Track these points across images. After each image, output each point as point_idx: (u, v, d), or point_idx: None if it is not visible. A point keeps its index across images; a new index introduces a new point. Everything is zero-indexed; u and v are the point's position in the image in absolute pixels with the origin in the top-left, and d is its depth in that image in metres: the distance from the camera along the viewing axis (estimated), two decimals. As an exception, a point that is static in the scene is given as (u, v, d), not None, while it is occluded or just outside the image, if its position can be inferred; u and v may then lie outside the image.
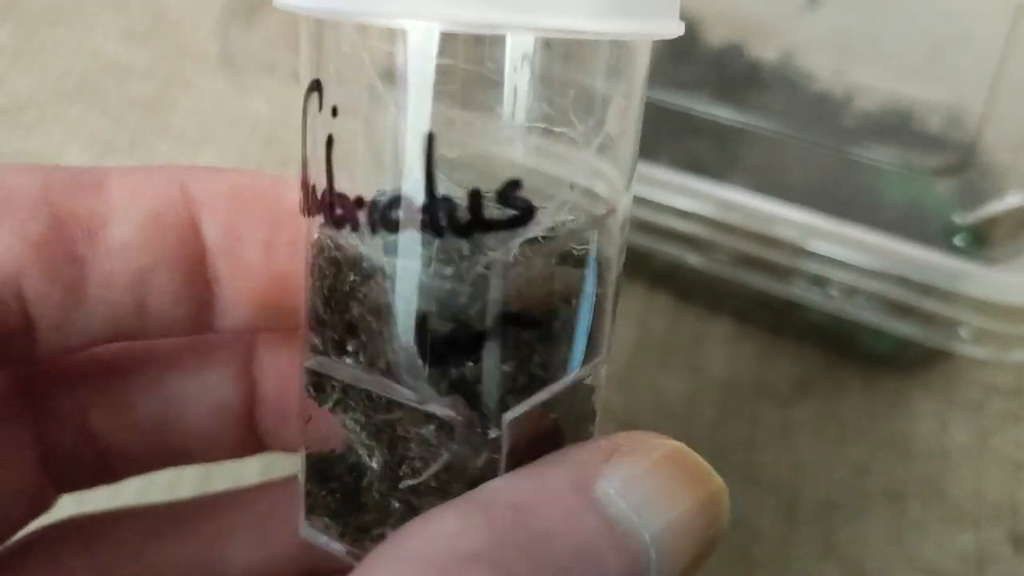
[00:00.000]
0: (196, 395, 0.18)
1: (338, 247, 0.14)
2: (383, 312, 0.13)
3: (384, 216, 0.13)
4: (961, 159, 0.27)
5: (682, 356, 0.30)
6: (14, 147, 0.36)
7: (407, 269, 0.13)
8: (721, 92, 0.29)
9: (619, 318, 0.31)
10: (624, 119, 0.14)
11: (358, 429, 0.14)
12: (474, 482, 0.13)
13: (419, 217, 0.13)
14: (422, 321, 0.13)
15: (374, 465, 0.14)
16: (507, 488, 0.13)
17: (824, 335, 0.30)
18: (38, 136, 0.37)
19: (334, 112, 0.13)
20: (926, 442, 0.29)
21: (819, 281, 0.26)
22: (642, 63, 0.14)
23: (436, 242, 0.13)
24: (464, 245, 0.13)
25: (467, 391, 0.13)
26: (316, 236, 0.14)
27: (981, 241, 0.26)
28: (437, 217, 0.13)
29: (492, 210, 0.13)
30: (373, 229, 0.13)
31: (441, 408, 0.13)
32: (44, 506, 0.18)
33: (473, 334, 0.13)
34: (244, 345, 0.19)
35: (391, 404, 0.14)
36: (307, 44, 0.14)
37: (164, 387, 0.18)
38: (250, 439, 0.19)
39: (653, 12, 0.13)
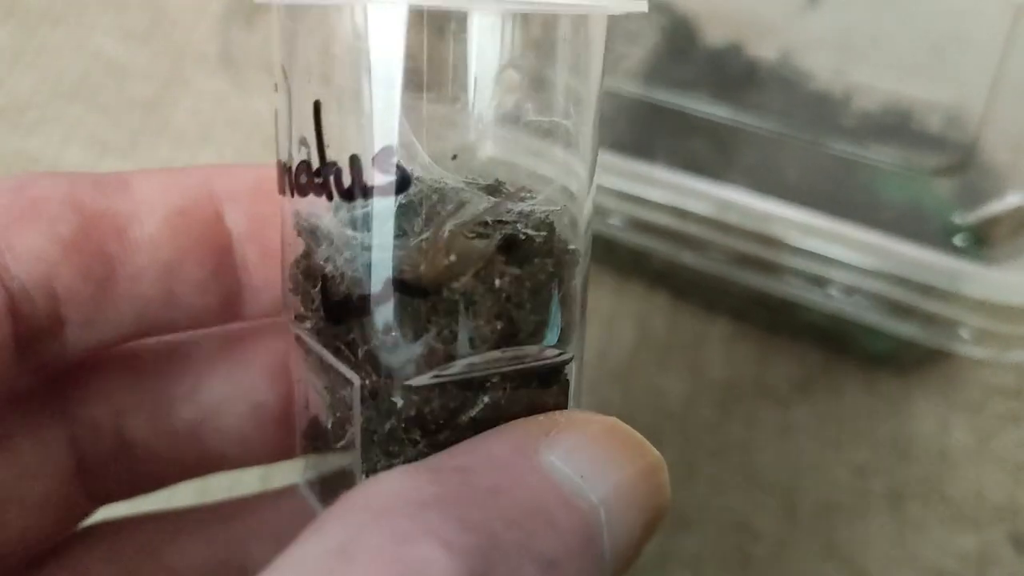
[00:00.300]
0: (232, 399, 0.18)
1: (297, 214, 0.15)
2: (310, 277, 0.14)
3: (296, 178, 0.14)
4: (961, 159, 0.27)
5: (681, 356, 0.30)
6: (14, 147, 0.36)
7: (316, 233, 0.14)
8: (719, 91, 0.29)
9: (617, 318, 0.31)
10: (582, 105, 0.14)
11: (324, 392, 0.15)
12: (388, 451, 0.14)
13: (316, 180, 0.14)
14: (323, 284, 0.14)
15: (328, 426, 0.15)
16: (450, 456, 0.13)
17: (823, 335, 0.30)
18: (38, 136, 0.37)
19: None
20: (926, 443, 0.28)
21: (818, 281, 0.26)
22: (598, 45, 0.15)
23: (339, 207, 0.13)
24: (361, 214, 0.13)
25: (372, 358, 0.14)
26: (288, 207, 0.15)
27: (981, 241, 0.26)
28: (328, 182, 0.13)
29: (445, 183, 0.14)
30: (291, 192, 0.14)
31: (347, 370, 0.14)
32: (78, 517, 0.18)
33: (360, 296, 0.13)
34: (279, 346, 0.19)
35: (325, 367, 0.14)
36: (280, 32, 0.15)
37: (200, 392, 0.18)
38: (287, 441, 0.19)
39: None
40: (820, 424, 0.29)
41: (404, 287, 0.13)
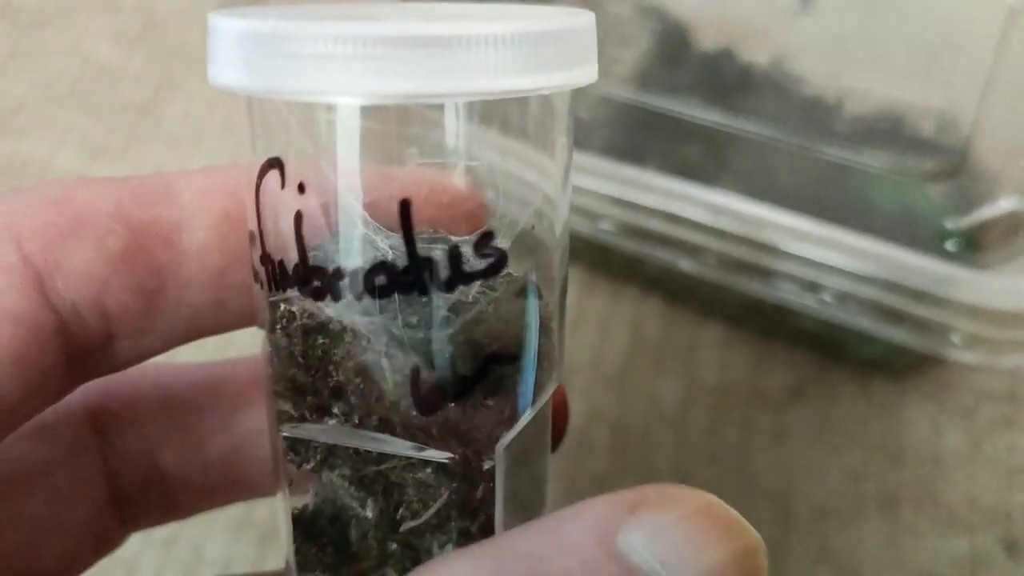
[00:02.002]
0: (261, 430, 0.18)
1: (311, 316, 0.14)
2: (372, 373, 0.14)
3: (368, 283, 0.13)
4: (953, 164, 0.27)
5: (675, 361, 0.30)
6: (6, 150, 0.36)
7: (391, 329, 0.13)
8: (712, 96, 0.29)
9: (611, 323, 0.31)
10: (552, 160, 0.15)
11: (347, 484, 0.14)
12: (474, 513, 0.13)
13: (405, 279, 0.13)
14: (414, 375, 0.13)
15: (368, 515, 0.14)
16: (524, 537, 0.12)
17: (816, 340, 0.30)
18: (30, 139, 0.37)
19: (301, 189, 0.14)
20: (919, 447, 0.28)
21: (811, 286, 0.26)
22: (563, 109, 0.15)
23: (421, 299, 0.13)
24: (441, 299, 0.13)
25: (459, 431, 0.13)
26: (281, 307, 0.14)
27: (973, 246, 0.26)
28: (422, 278, 0.13)
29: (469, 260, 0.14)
30: (358, 297, 0.13)
31: (438, 453, 0.14)
32: (113, 544, 0.18)
33: (460, 379, 0.13)
34: None
35: (382, 456, 0.14)
36: (255, 121, 0.15)
37: (234, 424, 0.18)
38: None
39: (572, 63, 0.13)
40: (813, 429, 0.29)
41: (497, 358, 0.13)
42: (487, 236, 0.13)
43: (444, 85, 0.12)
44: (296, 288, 0.14)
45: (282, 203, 0.14)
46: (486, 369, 0.14)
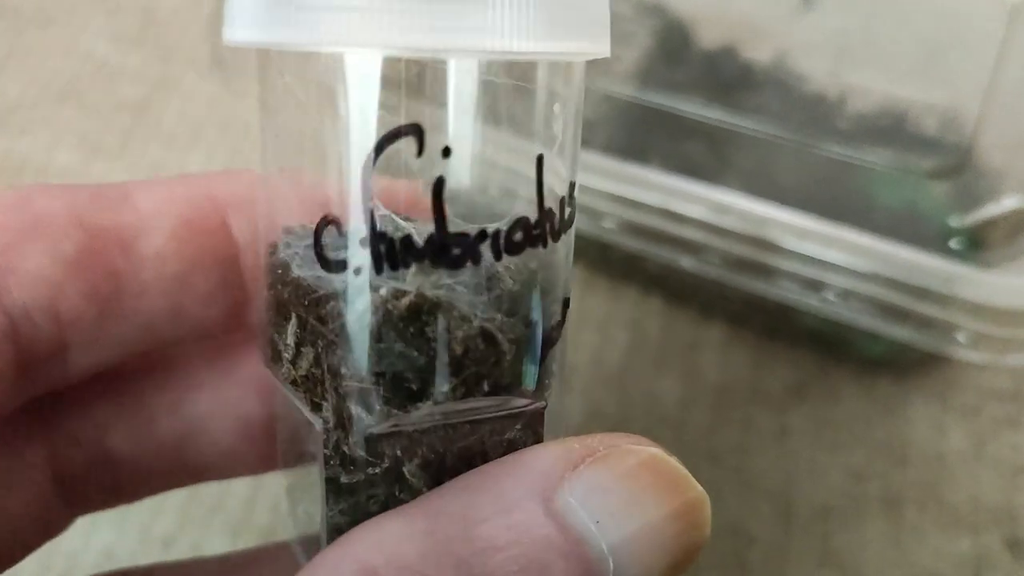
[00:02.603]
0: (217, 412, 0.18)
1: (420, 295, 0.13)
2: (492, 338, 0.14)
3: (508, 241, 0.13)
4: (957, 161, 0.27)
5: (676, 360, 0.30)
6: (3, 148, 0.36)
7: (497, 293, 0.14)
8: (714, 94, 0.29)
9: (612, 322, 0.31)
10: (564, 133, 0.14)
11: (418, 470, 0.14)
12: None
13: (537, 232, 0.13)
14: (530, 331, 0.14)
15: (424, 489, 0.14)
16: (460, 494, 0.12)
17: (819, 339, 0.30)
18: (27, 138, 0.37)
19: (446, 153, 0.13)
20: (923, 447, 0.28)
21: (813, 285, 0.26)
22: (578, 78, 0.14)
23: (518, 260, 0.14)
24: (534, 258, 0.14)
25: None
26: (384, 290, 0.13)
27: (977, 244, 0.26)
28: (546, 232, 0.13)
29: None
30: (497, 256, 0.13)
31: (537, 404, 0.14)
32: (56, 528, 0.18)
33: (554, 327, 0.14)
34: None
35: (474, 427, 0.14)
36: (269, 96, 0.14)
37: (184, 405, 0.18)
38: (274, 454, 0.19)
39: (585, 33, 0.13)
40: (816, 428, 0.29)
41: (567, 304, 0.13)
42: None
43: (466, 40, 0.12)
44: (427, 261, 0.13)
45: (413, 172, 0.13)
46: (564, 315, 0.14)
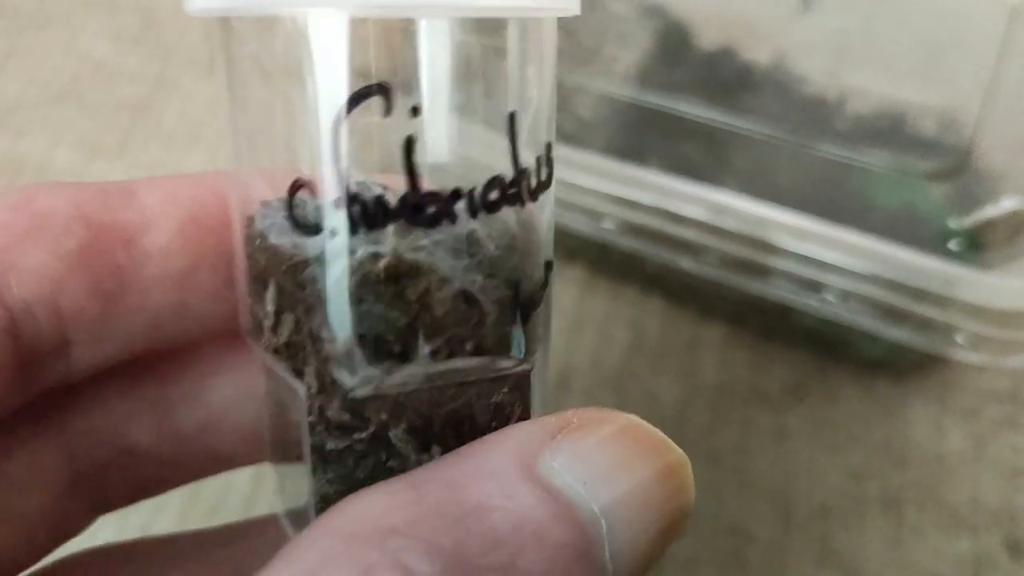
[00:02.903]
0: (239, 397, 0.18)
1: (396, 254, 0.13)
2: (476, 299, 0.14)
3: (484, 199, 0.13)
4: (956, 163, 0.27)
5: (675, 360, 0.30)
6: (3, 149, 0.36)
7: (478, 252, 0.14)
8: (713, 95, 0.29)
9: (610, 322, 0.31)
10: (539, 98, 0.14)
11: (405, 435, 0.14)
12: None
13: (512, 191, 0.13)
14: (517, 290, 0.14)
15: (412, 455, 0.14)
16: (443, 465, 0.12)
17: (818, 340, 0.30)
18: (27, 138, 0.37)
19: (415, 111, 0.13)
20: (922, 448, 0.28)
21: (812, 286, 0.26)
22: (550, 37, 0.14)
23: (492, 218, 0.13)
24: (512, 215, 0.14)
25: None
26: (361, 251, 0.13)
27: (976, 246, 0.26)
28: (521, 189, 0.13)
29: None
30: (474, 215, 0.13)
31: (523, 365, 0.14)
32: (74, 530, 0.18)
33: (539, 286, 0.14)
34: None
35: (460, 389, 0.14)
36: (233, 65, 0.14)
37: (206, 392, 0.18)
38: None
39: None
40: (815, 429, 0.29)
41: (550, 266, 0.13)
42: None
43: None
44: (403, 220, 0.13)
45: (383, 131, 0.13)
46: (548, 278, 0.14)
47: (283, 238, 0.13)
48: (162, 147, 0.36)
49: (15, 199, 0.15)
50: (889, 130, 0.29)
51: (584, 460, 0.12)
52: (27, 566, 0.17)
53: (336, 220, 0.13)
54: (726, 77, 0.30)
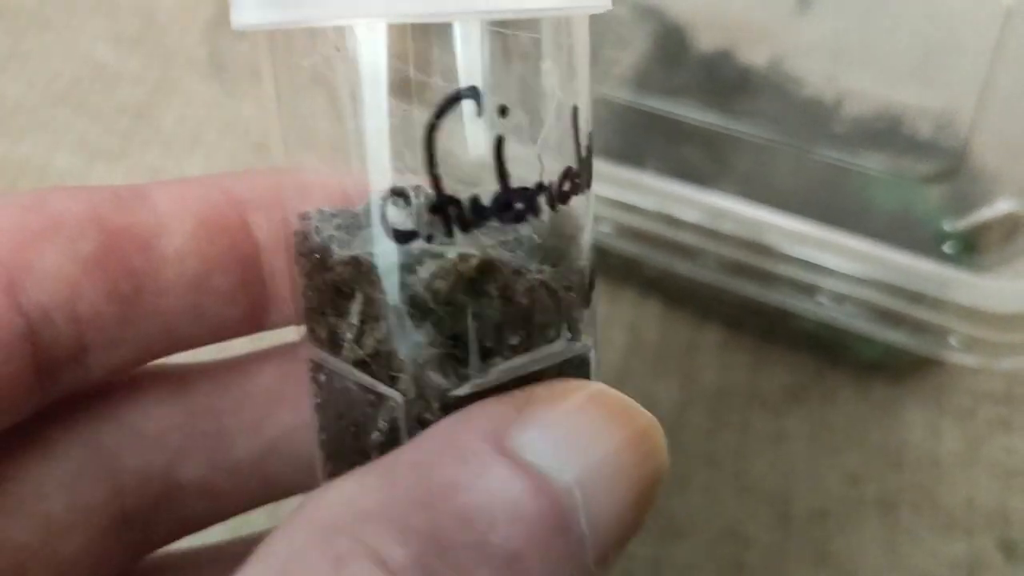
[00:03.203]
0: (299, 427, 0.17)
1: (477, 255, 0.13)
2: (552, 290, 0.14)
3: (560, 192, 0.14)
4: (951, 165, 0.27)
5: (673, 364, 0.30)
6: (3, 151, 0.36)
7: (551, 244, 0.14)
8: (710, 98, 0.29)
9: (609, 325, 0.31)
10: (583, 86, 0.15)
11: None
12: None
13: (579, 180, 0.14)
14: (591, 277, 0.15)
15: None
16: (411, 448, 0.12)
17: (815, 343, 0.30)
18: (27, 141, 0.37)
19: (503, 112, 0.13)
20: (918, 450, 0.28)
21: (809, 289, 0.26)
22: (583, 37, 0.15)
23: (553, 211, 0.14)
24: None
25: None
26: (449, 255, 0.13)
27: (971, 248, 0.26)
28: (589, 178, 0.14)
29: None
30: (553, 207, 0.14)
31: (584, 345, 0.15)
32: (113, 574, 0.17)
33: (593, 275, 0.15)
34: None
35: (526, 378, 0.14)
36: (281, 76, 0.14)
37: (266, 424, 0.17)
38: None
39: None
40: (812, 432, 0.29)
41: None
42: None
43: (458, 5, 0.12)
44: (494, 219, 0.13)
45: (475, 133, 0.13)
46: (594, 257, 0.15)
47: (358, 248, 0.13)
48: (162, 150, 0.37)
49: (27, 200, 0.15)
50: (885, 132, 0.29)
51: (553, 431, 0.12)
52: None
53: (432, 224, 0.13)
54: (724, 80, 0.30)
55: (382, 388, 0.14)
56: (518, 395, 0.13)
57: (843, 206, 0.27)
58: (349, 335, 0.14)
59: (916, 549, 0.27)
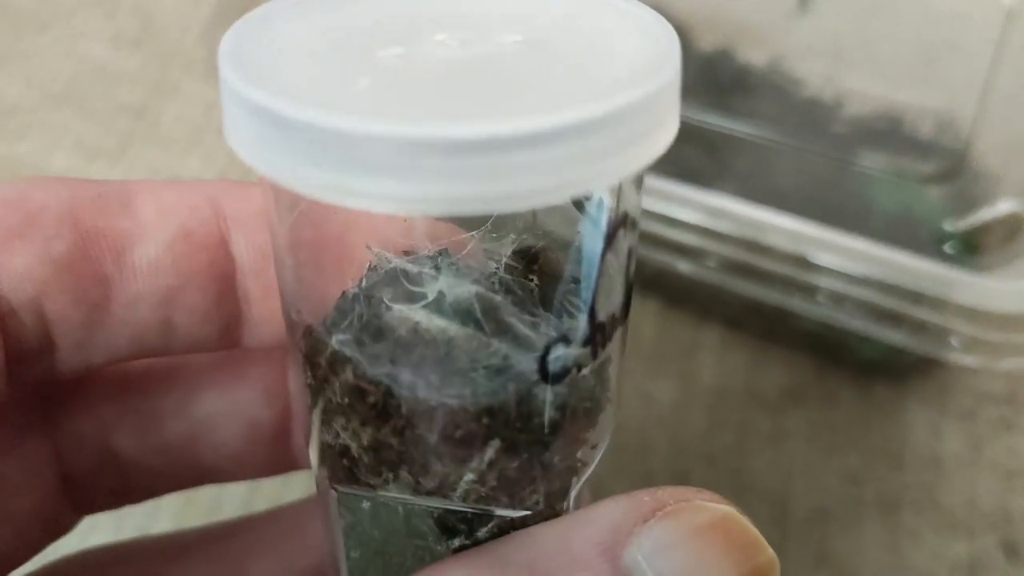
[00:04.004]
0: (226, 414, 0.18)
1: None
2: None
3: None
4: (952, 165, 0.27)
5: (672, 363, 0.30)
6: (1, 152, 0.36)
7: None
8: (710, 98, 0.29)
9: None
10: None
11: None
12: None
13: None
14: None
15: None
16: (528, 544, 0.12)
17: (815, 343, 0.30)
18: (25, 142, 0.37)
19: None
20: (919, 450, 0.28)
21: (809, 288, 0.26)
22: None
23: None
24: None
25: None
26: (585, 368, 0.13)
27: (972, 248, 0.26)
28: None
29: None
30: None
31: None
32: (63, 529, 0.18)
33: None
34: (277, 361, 0.18)
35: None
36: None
37: (193, 407, 0.18)
38: (284, 457, 0.18)
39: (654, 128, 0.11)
40: (812, 431, 0.29)
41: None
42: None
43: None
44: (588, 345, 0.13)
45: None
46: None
47: (481, 390, 0.13)
48: (161, 150, 0.36)
49: (9, 194, 0.15)
50: (886, 133, 0.29)
51: (670, 555, 0.12)
52: (21, 563, 0.17)
53: (579, 355, 0.13)
54: (723, 80, 0.30)
55: (509, 511, 0.13)
56: (644, 499, 0.12)
57: (843, 206, 0.27)
58: (469, 477, 0.13)
59: (917, 550, 0.27)
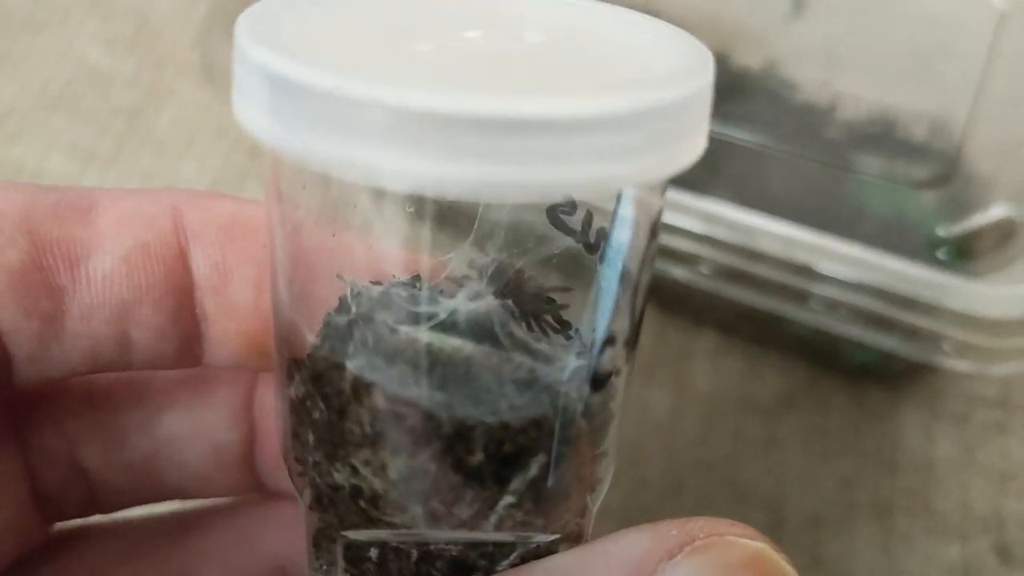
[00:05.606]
0: (191, 435, 0.18)
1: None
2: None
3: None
4: (945, 170, 0.27)
5: (666, 369, 0.30)
6: (-5, 157, 0.36)
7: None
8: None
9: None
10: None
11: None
12: None
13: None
14: None
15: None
16: (561, 569, 0.12)
17: (809, 348, 0.30)
18: (20, 145, 0.37)
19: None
20: (912, 455, 0.28)
21: (803, 294, 0.26)
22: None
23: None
24: None
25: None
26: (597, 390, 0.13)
27: (965, 254, 0.26)
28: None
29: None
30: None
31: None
32: (34, 540, 0.18)
33: None
34: (244, 383, 0.18)
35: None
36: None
37: (158, 426, 0.18)
38: (249, 479, 0.18)
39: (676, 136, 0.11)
40: (806, 437, 0.29)
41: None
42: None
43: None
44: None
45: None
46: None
47: (515, 412, 0.12)
48: (156, 154, 0.36)
49: None
50: (879, 137, 0.29)
51: None
52: None
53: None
54: (717, 84, 0.30)
55: (539, 537, 0.13)
56: (672, 532, 0.12)
57: (837, 211, 0.27)
58: (509, 499, 0.12)
59: (911, 554, 0.27)
